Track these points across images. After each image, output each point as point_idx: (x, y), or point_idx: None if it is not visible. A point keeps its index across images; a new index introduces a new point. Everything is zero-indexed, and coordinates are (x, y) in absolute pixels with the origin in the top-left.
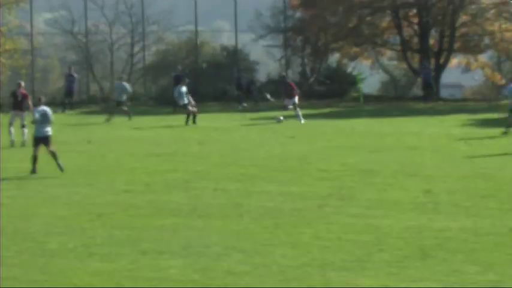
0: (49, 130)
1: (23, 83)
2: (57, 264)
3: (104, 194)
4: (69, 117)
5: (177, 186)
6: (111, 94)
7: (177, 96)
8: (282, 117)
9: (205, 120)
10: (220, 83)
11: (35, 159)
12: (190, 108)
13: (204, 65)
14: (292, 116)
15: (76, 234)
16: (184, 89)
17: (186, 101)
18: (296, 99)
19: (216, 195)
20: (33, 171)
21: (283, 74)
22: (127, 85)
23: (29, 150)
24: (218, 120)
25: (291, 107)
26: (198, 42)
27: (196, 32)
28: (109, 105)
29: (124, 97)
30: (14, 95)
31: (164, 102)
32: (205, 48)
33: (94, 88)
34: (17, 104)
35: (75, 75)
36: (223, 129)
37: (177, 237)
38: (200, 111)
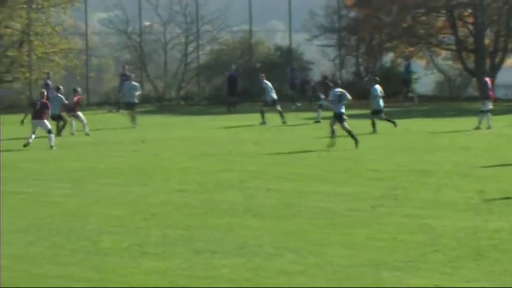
0: None
1: (45, 92)
2: (111, 263)
3: (158, 193)
4: (123, 116)
5: (231, 186)
6: (164, 94)
7: (266, 92)
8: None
9: (259, 120)
10: (274, 82)
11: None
12: (277, 107)
13: (258, 65)
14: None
15: (130, 234)
16: (270, 85)
17: (275, 97)
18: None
19: (269, 195)
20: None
21: (325, 75)
22: (138, 85)
23: (82, 151)
24: (272, 120)
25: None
26: (252, 42)
27: (250, 31)
28: (163, 104)
29: (136, 98)
30: (33, 104)
31: (218, 102)
32: (259, 48)
33: (148, 88)
34: (36, 112)
35: (129, 74)
36: (277, 129)
37: (231, 236)
38: (254, 111)
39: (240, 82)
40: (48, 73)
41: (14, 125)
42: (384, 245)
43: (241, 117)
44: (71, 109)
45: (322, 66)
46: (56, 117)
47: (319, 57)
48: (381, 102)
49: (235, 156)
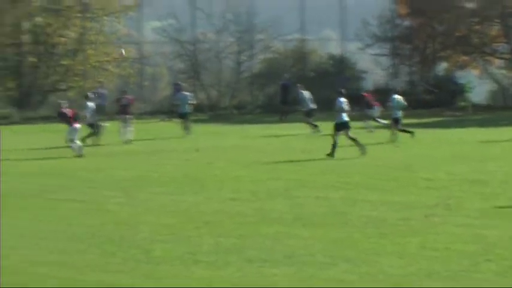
0: None
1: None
2: (163, 271)
3: (210, 201)
4: (176, 125)
5: (281, 194)
6: (218, 103)
7: (303, 102)
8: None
9: (311, 128)
10: (326, 91)
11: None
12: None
13: (311, 74)
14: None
15: (182, 242)
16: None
17: (312, 107)
18: (376, 109)
19: (319, 203)
20: None
21: (367, 89)
22: (191, 94)
23: (134, 159)
24: (323, 128)
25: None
26: (305, 51)
27: (303, 40)
28: (216, 113)
29: (189, 108)
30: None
31: (271, 111)
32: (312, 57)
33: (201, 96)
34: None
35: (182, 83)
36: (328, 137)
37: (282, 245)
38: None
39: (293, 91)
40: (101, 82)
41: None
42: (437, 255)
43: (294, 126)
44: (123, 111)
45: (375, 76)
46: (90, 125)
47: (372, 67)
48: (345, 116)
49: (286, 165)
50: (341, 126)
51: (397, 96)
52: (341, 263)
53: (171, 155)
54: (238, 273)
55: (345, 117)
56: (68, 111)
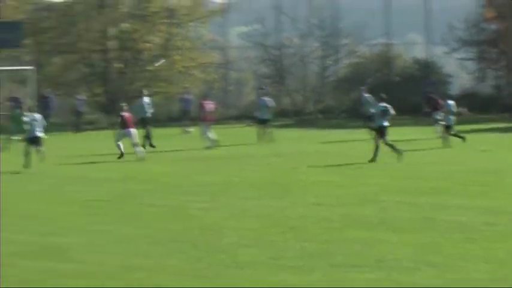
0: None
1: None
2: (249, 276)
3: (295, 206)
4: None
5: (367, 199)
6: (303, 108)
7: (367, 105)
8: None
9: (396, 134)
10: (412, 96)
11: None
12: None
13: (397, 78)
14: (479, 130)
15: (267, 247)
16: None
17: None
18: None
19: (406, 208)
20: None
21: (428, 89)
22: (270, 100)
23: (218, 164)
24: (410, 133)
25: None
26: (390, 55)
27: (388, 44)
28: (301, 118)
29: (268, 114)
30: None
31: (356, 116)
32: (397, 61)
33: (286, 101)
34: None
35: (266, 88)
36: (414, 142)
37: (369, 250)
38: (392, 125)
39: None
40: (187, 87)
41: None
42: None
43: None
44: (206, 118)
45: (461, 80)
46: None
47: (458, 71)
48: (384, 121)
49: (371, 169)
50: (380, 131)
51: (451, 102)
52: (427, 268)
53: (254, 160)
54: (323, 278)
55: (384, 122)
56: (126, 115)
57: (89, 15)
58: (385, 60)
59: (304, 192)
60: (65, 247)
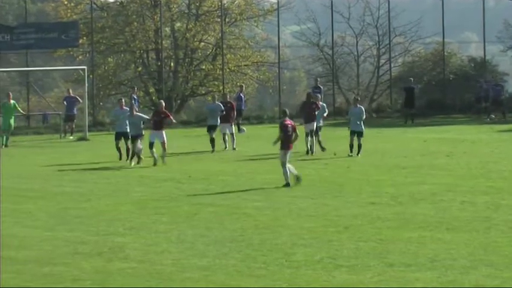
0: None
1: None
2: (304, 275)
3: (350, 206)
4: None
5: (423, 199)
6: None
7: None
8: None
9: (452, 132)
10: (467, 94)
11: None
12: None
13: (451, 77)
14: None
15: (322, 246)
16: None
17: None
18: None
19: (463, 208)
20: None
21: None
22: (323, 105)
23: (272, 163)
24: (465, 132)
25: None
26: (445, 54)
27: (443, 43)
28: None
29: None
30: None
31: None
32: (452, 60)
33: (340, 100)
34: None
35: (322, 87)
36: (471, 141)
37: (424, 249)
38: (447, 123)
39: (429, 95)
40: (241, 86)
41: (197, 138)
42: None
43: (432, 130)
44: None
45: None
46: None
47: None
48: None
49: (427, 168)
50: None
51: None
52: (483, 267)
53: (310, 159)
54: (378, 277)
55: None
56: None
57: (143, 15)
58: (439, 59)
59: (359, 191)
60: (122, 246)
